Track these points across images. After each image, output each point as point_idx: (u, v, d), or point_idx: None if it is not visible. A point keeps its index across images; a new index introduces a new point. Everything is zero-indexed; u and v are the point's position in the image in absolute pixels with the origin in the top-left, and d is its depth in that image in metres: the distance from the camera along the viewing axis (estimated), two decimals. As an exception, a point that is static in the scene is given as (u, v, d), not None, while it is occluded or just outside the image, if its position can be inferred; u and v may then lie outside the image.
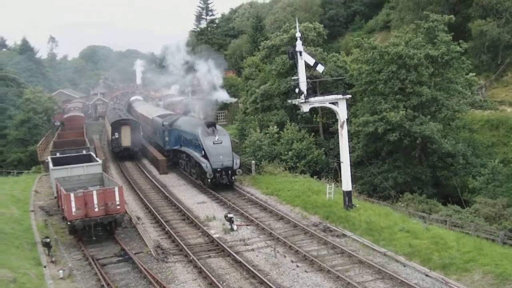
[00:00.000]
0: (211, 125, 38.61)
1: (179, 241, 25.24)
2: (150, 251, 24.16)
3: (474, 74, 44.26)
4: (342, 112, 28.23)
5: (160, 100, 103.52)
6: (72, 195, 24.95)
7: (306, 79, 27.96)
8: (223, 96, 49.63)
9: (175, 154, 46.32)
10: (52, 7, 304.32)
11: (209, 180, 35.82)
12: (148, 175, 43.99)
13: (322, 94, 39.84)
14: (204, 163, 36.19)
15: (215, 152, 36.33)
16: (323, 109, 42.51)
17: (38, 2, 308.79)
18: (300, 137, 44.44)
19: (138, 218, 30.21)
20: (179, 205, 32.53)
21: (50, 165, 33.08)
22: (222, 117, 72.60)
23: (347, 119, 28.95)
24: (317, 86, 47.31)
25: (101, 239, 26.25)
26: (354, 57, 50.08)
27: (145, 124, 58.47)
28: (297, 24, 31.57)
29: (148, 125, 57.26)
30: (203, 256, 23.38)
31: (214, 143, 36.71)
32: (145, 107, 72.04)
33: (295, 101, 28.60)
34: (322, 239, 24.82)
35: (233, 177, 36.60)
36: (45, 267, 22.39)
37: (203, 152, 36.92)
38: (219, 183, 36.14)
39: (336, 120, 31.28)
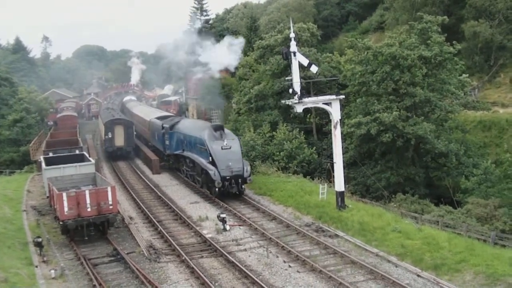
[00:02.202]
0: (218, 128, 35.67)
1: (172, 241, 25.21)
2: (143, 251, 24.12)
3: (467, 75, 44.41)
4: (335, 112, 28.26)
5: (154, 100, 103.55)
6: (64, 194, 24.89)
7: (300, 79, 27.99)
8: None
9: (177, 159, 43.33)
10: (52, 8, 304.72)
11: (216, 189, 32.91)
12: (141, 175, 43.95)
13: (316, 94, 40.04)
14: (211, 170, 33.10)
15: (224, 158, 33.30)
16: (317, 109, 42.54)
17: (38, 3, 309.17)
18: (292, 137, 44.47)
19: (131, 218, 30.18)
20: (172, 205, 32.50)
21: (43, 164, 32.96)
22: (216, 117, 72.44)
23: (340, 120, 29.00)
24: (310, 87, 47.40)
25: (94, 239, 26.17)
26: (348, 58, 50.19)
27: (142, 127, 57.08)
28: (291, 25, 31.50)
29: (145, 127, 55.47)
30: (196, 256, 23.36)
31: (222, 148, 33.72)
32: (141, 108, 70.64)
33: (289, 102, 28.61)
34: (315, 239, 24.84)
35: (242, 186, 33.90)
36: (36, 266, 22.33)
37: (210, 158, 33.86)
38: (228, 193, 33.32)
39: (330, 121, 31.34)
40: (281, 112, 49.62)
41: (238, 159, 33.72)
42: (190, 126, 41.72)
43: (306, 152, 43.64)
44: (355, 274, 20.68)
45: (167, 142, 44.22)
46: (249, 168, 34.21)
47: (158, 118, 50.91)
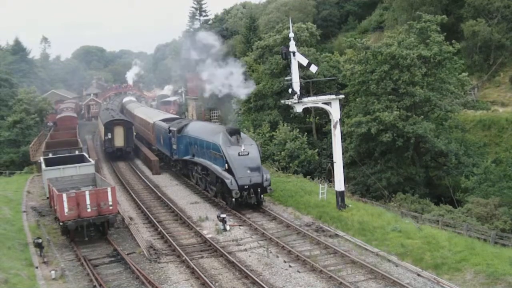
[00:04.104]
0: (234, 132, 32.44)
1: (172, 241, 25.20)
2: (143, 251, 24.11)
3: (466, 74, 44.43)
4: (335, 112, 28.26)
5: (154, 100, 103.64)
6: (64, 195, 24.87)
7: (299, 79, 28.00)
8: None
9: (185, 165, 40.26)
10: (52, 8, 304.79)
11: (233, 200, 30.29)
12: (141, 176, 43.94)
13: (315, 94, 39.97)
14: (228, 179, 30.18)
15: (241, 166, 30.47)
16: (316, 109, 42.54)
17: (38, 3, 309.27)
18: (293, 137, 44.44)
19: (131, 218, 30.16)
20: (172, 206, 32.48)
21: (43, 165, 33.00)
22: (215, 117, 72.48)
23: (340, 119, 28.99)
24: (310, 86, 47.41)
25: (94, 240, 26.17)
26: (347, 57, 50.20)
27: (145, 129, 55.54)
28: (291, 24, 31.38)
29: (148, 130, 53.32)
30: (196, 256, 23.35)
31: (239, 155, 30.80)
32: (143, 109, 68.81)
33: (288, 101, 28.53)
34: (315, 239, 24.83)
35: (262, 196, 31.26)
36: (37, 267, 22.33)
37: (226, 165, 30.97)
38: (246, 203, 30.74)
39: (329, 120, 31.31)
40: (280, 112, 49.62)
41: (257, 167, 31.02)
42: (201, 129, 38.36)
43: (308, 153, 43.60)
44: (356, 273, 20.67)
45: (174, 147, 41.47)
46: (269, 176, 31.38)
47: (164, 120, 48.10)
